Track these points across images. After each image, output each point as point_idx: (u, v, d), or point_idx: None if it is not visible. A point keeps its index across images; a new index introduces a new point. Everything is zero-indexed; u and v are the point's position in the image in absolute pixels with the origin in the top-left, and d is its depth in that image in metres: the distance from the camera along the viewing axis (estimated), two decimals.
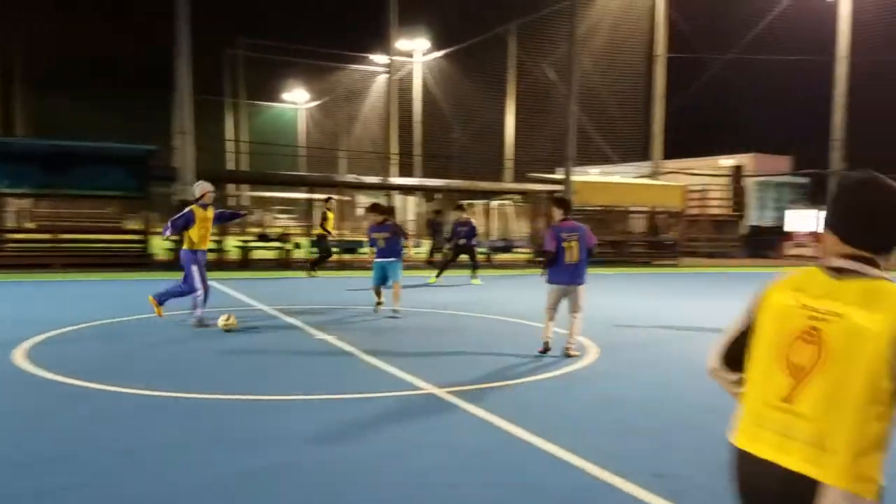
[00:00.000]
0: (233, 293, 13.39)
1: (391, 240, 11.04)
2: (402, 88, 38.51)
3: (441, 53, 37.90)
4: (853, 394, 1.85)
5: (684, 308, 12.68)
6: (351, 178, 27.88)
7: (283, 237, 21.70)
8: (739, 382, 2.15)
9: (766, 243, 30.97)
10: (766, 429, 1.99)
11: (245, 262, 20.11)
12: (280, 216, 46.65)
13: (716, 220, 29.91)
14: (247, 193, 47.73)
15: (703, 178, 30.23)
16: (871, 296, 1.89)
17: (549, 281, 7.92)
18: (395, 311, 10.74)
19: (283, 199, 47.04)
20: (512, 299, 13.38)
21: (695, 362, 7.79)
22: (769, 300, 2.09)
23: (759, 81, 29.58)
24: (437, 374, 6.83)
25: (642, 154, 29.64)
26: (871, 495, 1.85)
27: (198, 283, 9.34)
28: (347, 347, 8.24)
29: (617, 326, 10.23)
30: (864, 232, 2.00)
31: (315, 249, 18.49)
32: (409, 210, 32.70)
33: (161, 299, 9.75)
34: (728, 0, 27.99)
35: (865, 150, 29.20)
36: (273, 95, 53.30)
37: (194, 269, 9.38)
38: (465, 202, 20.33)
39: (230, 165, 37.35)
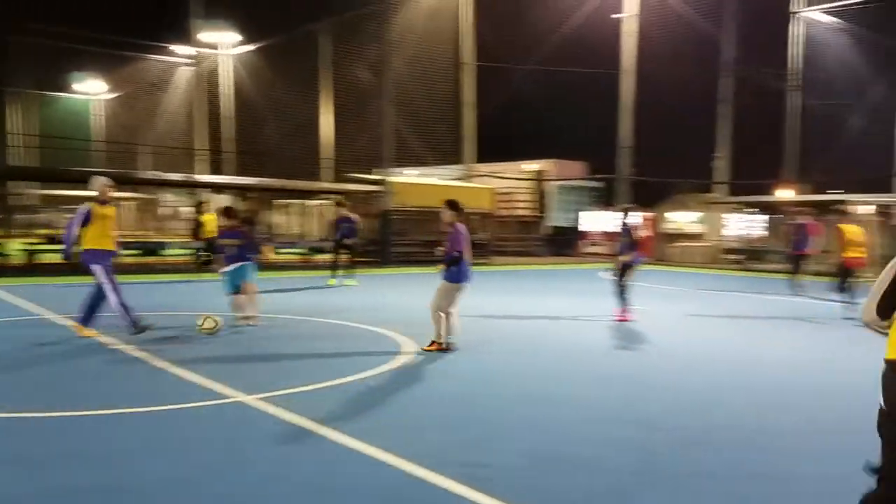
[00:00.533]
0: (15, 300, 12.09)
1: (242, 247, 10.24)
2: (211, 82, 36.80)
3: (252, 48, 36.68)
4: None
5: (499, 304, 13.30)
6: (151, 174, 26.18)
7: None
8: (889, 326, 3.04)
9: (565, 242, 33.36)
10: None
11: (30, 267, 18.22)
12: (71, 216, 42.61)
13: (522, 221, 31.73)
14: (36, 191, 43.18)
15: (510, 182, 31.89)
16: None
17: (457, 280, 8.28)
18: (248, 317, 9.95)
19: (77, 197, 43.06)
20: (329, 300, 13.29)
21: (509, 355, 8.23)
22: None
23: (557, 91, 31.70)
24: (248, 381, 6.64)
25: (455, 157, 30.66)
26: None
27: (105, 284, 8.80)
28: (148, 357, 7.75)
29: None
30: None
31: (205, 253, 17.31)
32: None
33: (83, 320, 8.89)
34: (529, 13, 29.72)
35: (651, 157, 32.41)
36: (65, 86, 48.64)
37: (98, 269, 8.74)
38: (340, 198, 19.78)
39: (14, 161, 33.63)
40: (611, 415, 5.87)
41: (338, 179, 29.60)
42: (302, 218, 30.17)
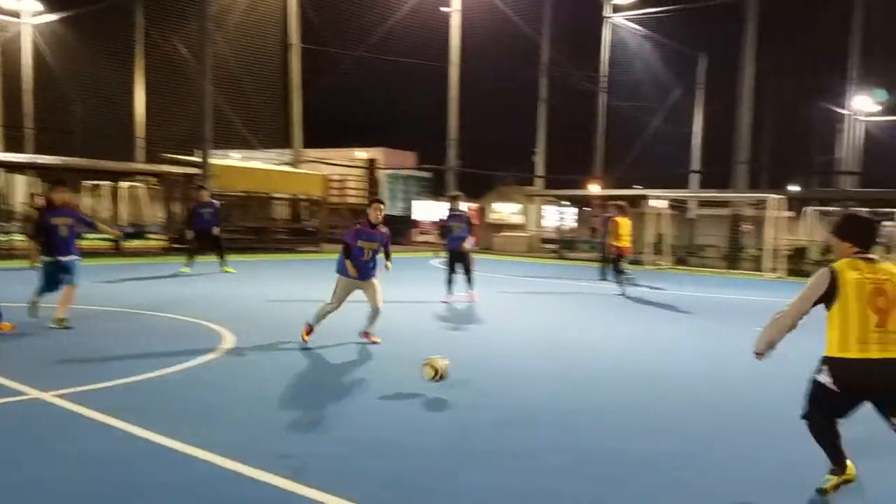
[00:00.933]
0: None
1: (73, 229, 8.52)
2: (7, 52, 33.15)
3: (56, 17, 33.41)
4: None
5: (325, 292, 13.17)
6: None
7: None
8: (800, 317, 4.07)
9: (398, 231, 33.75)
10: (870, 343, 3.85)
11: None
12: None
13: (354, 209, 31.64)
14: None
15: (341, 169, 31.64)
16: (891, 267, 3.99)
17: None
18: (61, 319, 8.42)
19: None
20: (149, 290, 12.51)
21: (329, 345, 8.19)
22: (844, 278, 3.94)
23: (388, 80, 31.87)
24: (49, 379, 6.12)
25: (283, 141, 29.89)
26: None
27: None
28: None
29: (256, 314, 10.24)
30: (873, 242, 4.13)
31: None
32: (18, 191, 28.26)
33: None
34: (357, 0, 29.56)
35: (477, 150, 33.51)
36: None
37: None
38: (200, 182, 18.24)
39: None
40: (429, 400, 6.04)
41: (152, 160, 27.81)
42: (112, 201, 28.07)
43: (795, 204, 25.13)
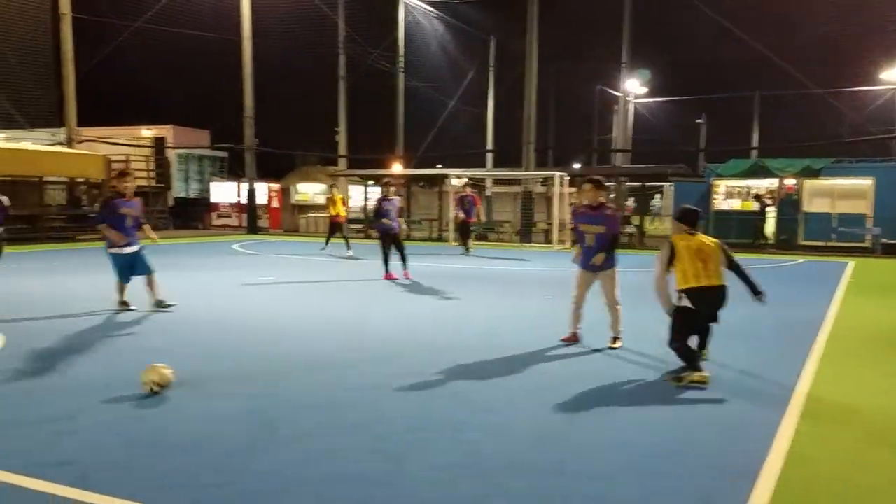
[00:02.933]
0: None
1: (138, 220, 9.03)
2: None
3: None
4: (717, 261, 6.28)
5: (102, 284, 12.16)
6: None
7: None
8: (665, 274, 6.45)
9: (194, 214, 31.97)
10: (702, 278, 6.18)
11: None
12: None
13: (142, 192, 29.39)
14: None
15: (125, 149, 29.22)
16: (706, 237, 6.46)
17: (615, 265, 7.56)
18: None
19: None
20: None
21: (96, 341, 7.58)
22: (678, 244, 6.36)
23: (174, 55, 29.91)
24: None
25: (55, 119, 27.01)
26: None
27: None
28: None
29: (25, 312, 9.22)
30: (697, 222, 6.53)
31: None
32: None
33: None
34: None
35: (273, 127, 32.56)
36: None
37: None
38: None
39: None
40: (222, 390, 5.81)
41: None
42: None
43: (578, 180, 27.24)
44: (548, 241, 23.80)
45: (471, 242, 19.87)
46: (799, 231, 23.47)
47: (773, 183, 24.22)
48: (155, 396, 5.46)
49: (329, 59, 31.29)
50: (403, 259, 13.25)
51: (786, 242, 23.10)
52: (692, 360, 6.15)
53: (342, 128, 31.89)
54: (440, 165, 30.63)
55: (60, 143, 26.12)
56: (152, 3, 27.10)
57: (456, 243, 23.44)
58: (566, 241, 22.57)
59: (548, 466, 4.23)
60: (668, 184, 30.68)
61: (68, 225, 24.09)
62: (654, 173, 27.18)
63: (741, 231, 23.54)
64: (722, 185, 25.16)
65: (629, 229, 24.27)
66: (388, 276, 13.06)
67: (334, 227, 18.97)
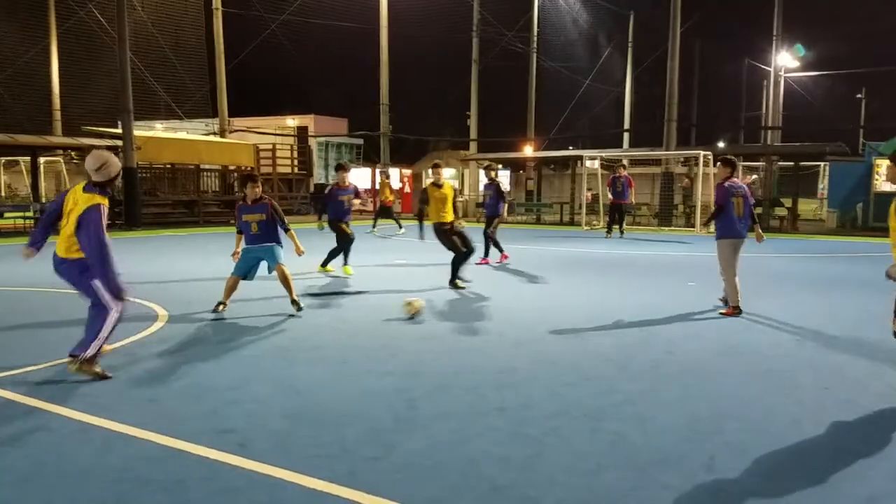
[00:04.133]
0: None
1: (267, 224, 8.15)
2: None
3: None
4: None
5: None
6: None
7: None
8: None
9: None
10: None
11: None
12: None
13: (286, 179, 30.95)
14: None
15: (271, 138, 30.83)
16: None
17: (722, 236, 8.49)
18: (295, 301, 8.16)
19: None
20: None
21: (263, 316, 8.01)
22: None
23: (317, 45, 31.11)
24: None
25: (209, 110, 28.91)
26: None
27: None
28: None
29: (189, 290, 9.94)
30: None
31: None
32: None
33: None
34: None
35: (407, 114, 33.15)
36: None
37: None
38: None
39: None
40: (372, 368, 5.97)
41: (71, 133, 26.51)
42: (31, 178, 26.74)
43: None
44: (689, 224, 22.78)
45: (623, 226, 19.54)
46: None
47: None
48: (317, 366, 5.70)
49: (462, 43, 31.44)
50: (488, 243, 13.16)
51: None
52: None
53: (473, 111, 32.00)
54: (572, 147, 30.07)
55: (214, 133, 27.95)
56: None
57: (588, 227, 22.97)
58: (710, 225, 21.48)
59: (698, 461, 4.02)
60: (823, 163, 28.42)
61: (222, 210, 25.75)
62: (808, 152, 25.24)
63: None
64: (884, 165, 22.95)
65: (780, 211, 22.77)
66: (483, 261, 12.93)
67: (383, 211, 20.72)
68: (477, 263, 12.51)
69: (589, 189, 25.38)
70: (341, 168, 11.60)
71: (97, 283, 5.36)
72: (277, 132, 31.18)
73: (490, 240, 13.04)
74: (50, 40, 29.38)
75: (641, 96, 35.87)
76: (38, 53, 29.41)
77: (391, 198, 20.94)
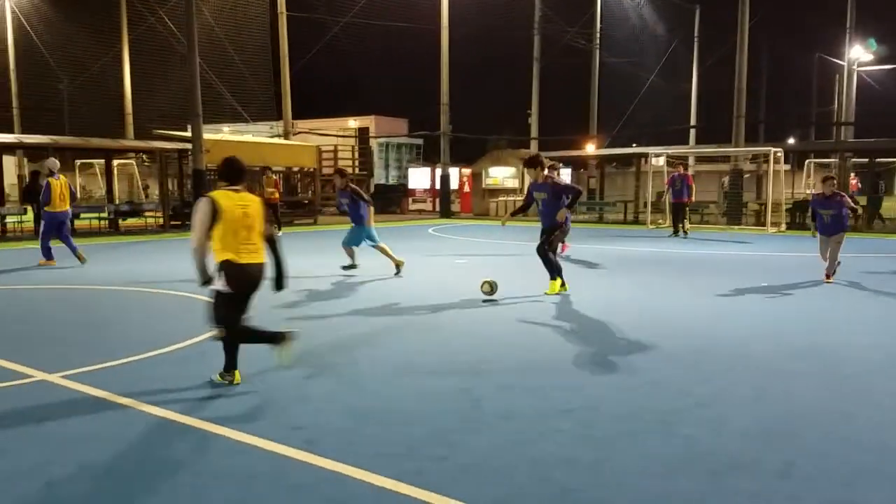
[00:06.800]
0: None
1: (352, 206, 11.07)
2: None
3: None
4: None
5: (323, 265, 13.09)
6: None
7: None
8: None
9: (392, 200, 33.54)
10: (242, 252, 5.12)
11: None
12: None
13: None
14: None
15: (333, 139, 31.29)
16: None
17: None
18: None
19: None
20: (147, 266, 12.39)
21: (326, 316, 8.13)
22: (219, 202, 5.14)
23: (377, 46, 31.39)
24: (48, 359, 6.04)
25: (273, 113, 29.52)
26: None
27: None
28: None
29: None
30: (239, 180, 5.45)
31: None
32: (7, 172, 27.98)
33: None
34: None
35: (466, 113, 33.16)
36: None
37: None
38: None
39: None
40: (435, 367, 5.98)
41: (142, 136, 27.43)
42: (104, 180, 27.83)
43: (793, 157, 24.94)
44: (760, 222, 22.10)
45: (687, 224, 19.08)
46: None
47: None
48: (381, 364, 5.76)
49: (522, 41, 31.26)
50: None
51: None
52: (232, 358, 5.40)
53: (534, 109, 31.78)
54: (635, 144, 29.55)
55: (278, 136, 28.53)
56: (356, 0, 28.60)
57: (653, 226, 22.55)
58: (780, 224, 20.85)
59: (773, 467, 3.89)
60: None
61: (285, 211, 26.23)
62: (884, 148, 24.13)
63: None
64: None
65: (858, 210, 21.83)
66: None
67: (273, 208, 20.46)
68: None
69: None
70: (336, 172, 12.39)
71: None
72: (339, 133, 31.62)
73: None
74: (122, 46, 30.48)
75: (708, 92, 34.98)
76: (110, 60, 30.57)
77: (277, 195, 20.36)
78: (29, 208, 20.27)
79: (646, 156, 24.83)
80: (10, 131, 29.26)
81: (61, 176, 12.57)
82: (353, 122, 33.78)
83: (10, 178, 29.22)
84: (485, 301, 8.74)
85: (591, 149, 29.67)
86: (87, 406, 4.91)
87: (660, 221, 23.09)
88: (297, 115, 29.27)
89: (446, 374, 5.69)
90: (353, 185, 11.41)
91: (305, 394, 5.20)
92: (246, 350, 5.52)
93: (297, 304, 8.62)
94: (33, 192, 20.59)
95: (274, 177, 20.78)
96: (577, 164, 30.23)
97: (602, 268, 12.41)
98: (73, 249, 12.37)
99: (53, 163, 12.73)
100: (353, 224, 11.22)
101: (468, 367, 5.91)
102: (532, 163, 9.33)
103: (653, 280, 11.08)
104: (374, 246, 11.13)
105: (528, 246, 15.99)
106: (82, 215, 21.11)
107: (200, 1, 24.65)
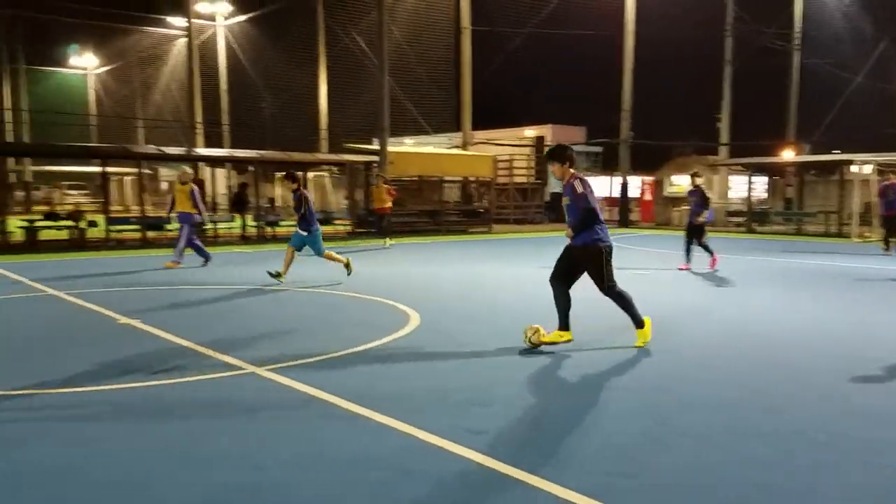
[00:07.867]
0: (16, 277, 12.05)
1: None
2: (205, 54, 36.38)
3: (245, 17, 36.16)
4: None
5: (499, 273, 13.24)
6: (152, 149, 25.88)
7: (74, 215, 19.87)
8: None
9: None
10: None
11: (32, 244, 18.20)
12: (71, 192, 42.63)
13: (521, 188, 31.53)
14: (30, 168, 42.95)
15: (509, 149, 31.57)
16: None
17: None
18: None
19: (73, 173, 42.95)
20: (333, 270, 13.23)
21: (503, 323, 8.19)
22: None
23: (555, 55, 31.28)
24: (255, 353, 6.61)
25: (453, 124, 30.35)
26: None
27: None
28: (154, 330, 7.71)
29: (436, 294, 10.48)
30: None
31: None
32: (218, 183, 31.10)
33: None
34: None
35: (650, 120, 32.08)
36: (57, 60, 48.10)
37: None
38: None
39: (7, 137, 33.31)
40: (615, 381, 5.83)
41: (333, 150, 29.33)
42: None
43: None
44: None
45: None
46: None
47: None
48: (563, 374, 5.72)
49: (712, 43, 29.73)
50: (704, 249, 13.19)
51: None
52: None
53: (725, 114, 30.09)
54: (837, 151, 27.03)
55: (457, 147, 29.29)
56: (539, 10, 28.71)
57: (860, 240, 20.55)
58: None
59: None
60: None
61: (461, 220, 26.88)
62: None
63: None
64: None
65: None
66: (685, 267, 13.16)
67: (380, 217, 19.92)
68: (679, 268, 13.17)
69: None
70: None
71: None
72: (515, 143, 31.85)
73: (699, 245, 13.13)
74: (318, 67, 32.81)
75: None
76: (308, 78, 33.01)
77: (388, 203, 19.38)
78: (237, 216, 22.36)
79: (850, 163, 22.64)
80: (221, 146, 32.50)
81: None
82: (529, 132, 33.89)
83: (221, 189, 32.43)
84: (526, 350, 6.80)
85: (789, 155, 27.56)
86: (295, 399, 5.30)
87: (867, 234, 20.95)
88: (475, 125, 29.90)
89: (629, 390, 5.52)
90: (304, 191, 11.38)
91: (485, 399, 5.26)
92: (422, 354, 5.65)
93: (477, 314, 8.70)
94: (241, 202, 22.72)
95: (385, 185, 19.83)
96: (772, 172, 28.19)
97: (797, 284, 11.45)
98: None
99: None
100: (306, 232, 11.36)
101: (651, 382, 5.68)
102: (555, 155, 6.68)
103: (854, 298, 10.06)
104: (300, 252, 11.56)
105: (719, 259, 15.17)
106: (281, 223, 22.87)
107: (391, 21, 25.94)
